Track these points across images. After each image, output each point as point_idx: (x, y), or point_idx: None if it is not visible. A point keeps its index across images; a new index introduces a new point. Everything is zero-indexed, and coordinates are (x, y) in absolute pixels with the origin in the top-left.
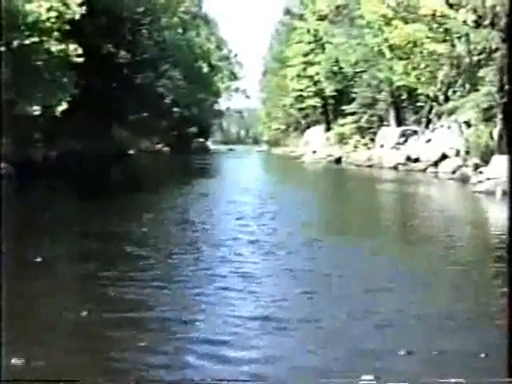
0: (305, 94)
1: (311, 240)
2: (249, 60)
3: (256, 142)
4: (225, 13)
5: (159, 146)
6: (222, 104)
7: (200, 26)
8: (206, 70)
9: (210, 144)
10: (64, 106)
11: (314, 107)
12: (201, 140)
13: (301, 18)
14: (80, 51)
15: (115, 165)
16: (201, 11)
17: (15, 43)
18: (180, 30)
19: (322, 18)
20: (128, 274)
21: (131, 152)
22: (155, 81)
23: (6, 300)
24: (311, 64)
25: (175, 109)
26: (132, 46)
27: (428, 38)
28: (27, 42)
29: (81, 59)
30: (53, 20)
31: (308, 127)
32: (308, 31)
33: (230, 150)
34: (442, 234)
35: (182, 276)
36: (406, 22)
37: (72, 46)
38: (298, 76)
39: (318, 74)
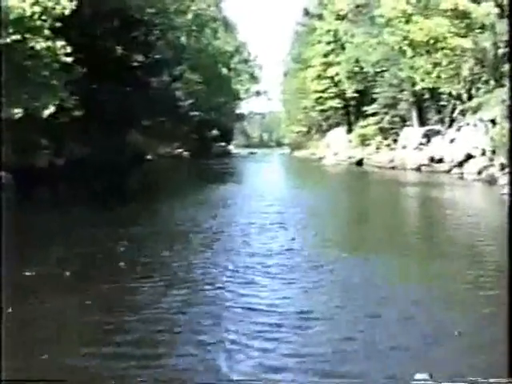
0: (325, 95)
1: (333, 260)
2: (270, 62)
3: (279, 144)
4: (245, 15)
5: (179, 150)
6: (244, 107)
7: (218, 29)
8: (225, 72)
9: (231, 148)
10: (51, 109)
11: (335, 108)
12: (222, 144)
13: (320, 18)
14: (69, 49)
15: (127, 172)
16: (220, 14)
17: None
18: (197, 34)
19: (341, 18)
20: None
21: (149, 157)
22: (171, 84)
23: None
24: (331, 65)
25: (195, 113)
26: (145, 47)
27: (450, 32)
28: (8, 40)
29: (70, 58)
30: (38, 16)
31: (329, 129)
32: (327, 31)
33: (252, 153)
34: (484, 255)
35: None
36: (427, 17)
37: (59, 44)
38: (319, 77)
39: (338, 74)
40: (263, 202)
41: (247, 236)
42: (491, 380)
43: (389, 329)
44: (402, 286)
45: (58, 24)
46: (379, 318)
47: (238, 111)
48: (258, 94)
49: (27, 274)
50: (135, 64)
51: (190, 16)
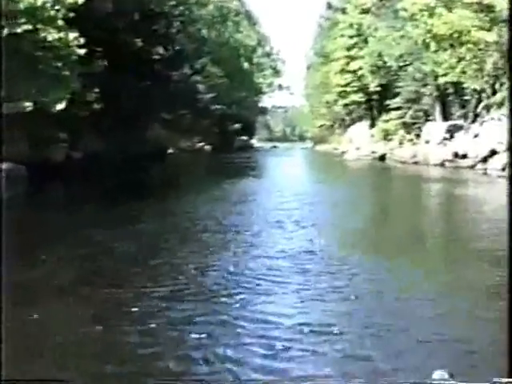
0: (348, 89)
1: (355, 266)
2: (293, 56)
3: (302, 139)
4: (268, 9)
5: (200, 144)
6: (267, 101)
7: (241, 22)
8: (247, 66)
9: (254, 141)
10: (63, 103)
11: (358, 103)
12: (244, 138)
13: (343, 11)
14: (82, 41)
15: (146, 166)
16: (242, 7)
17: (5, 31)
18: (218, 27)
19: (364, 12)
20: None
21: (170, 151)
22: (192, 77)
23: None
24: (354, 58)
25: (216, 106)
26: (166, 40)
27: (474, 26)
28: (19, 30)
29: (83, 50)
30: (50, 6)
31: (352, 123)
32: (351, 25)
33: (274, 147)
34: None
35: None
36: (450, 11)
37: (72, 35)
38: (342, 71)
39: (361, 68)
40: (282, 198)
41: (262, 235)
42: (491, 380)
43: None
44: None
45: (72, 14)
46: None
47: (260, 105)
48: (280, 87)
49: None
50: (155, 57)
51: (211, 8)
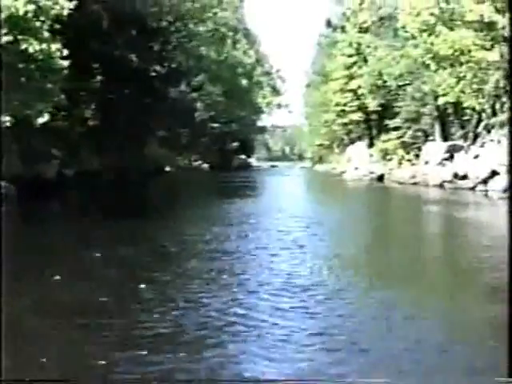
0: (347, 108)
1: (355, 299)
2: (293, 75)
3: (301, 158)
4: (267, 27)
5: (198, 162)
6: (267, 120)
7: (239, 40)
8: (246, 85)
9: (253, 161)
10: (46, 117)
11: (357, 122)
12: (242, 157)
13: (343, 30)
14: (65, 52)
15: (141, 184)
16: (241, 25)
17: None
18: (217, 44)
19: (363, 30)
20: None
21: (167, 169)
22: (190, 94)
23: None
24: (353, 77)
25: (215, 125)
26: (162, 57)
27: (475, 45)
28: (1, 40)
29: (66, 62)
30: (32, 16)
31: (351, 143)
32: (350, 44)
33: (273, 166)
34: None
35: None
36: (452, 29)
37: (54, 46)
38: (341, 90)
39: (360, 87)
40: (278, 220)
41: (253, 264)
42: (491, 380)
43: None
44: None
45: (58, 26)
46: None
47: (259, 124)
48: (279, 106)
49: None
50: (152, 74)
51: (209, 25)
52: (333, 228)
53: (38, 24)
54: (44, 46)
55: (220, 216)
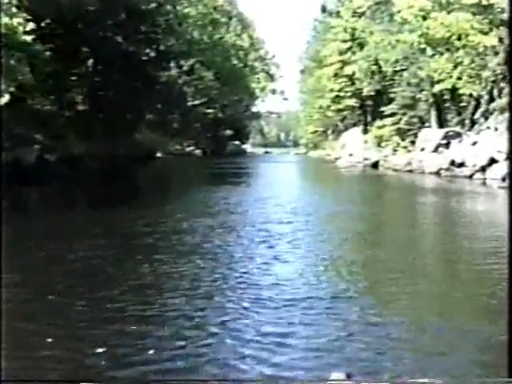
0: (342, 94)
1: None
2: (288, 60)
3: (296, 144)
4: (262, 12)
5: (190, 148)
6: (261, 106)
7: (233, 24)
8: (240, 69)
9: (247, 147)
10: (6, 97)
11: (352, 108)
12: (236, 143)
13: (338, 15)
14: (32, 26)
15: (129, 170)
16: (235, 10)
17: None
18: (209, 28)
19: (359, 15)
20: None
21: (158, 155)
22: (181, 78)
23: None
24: (348, 63)
25: (208, 110)
26: (151, 40)
27: (473, 28)
28: None
29: (29, 37)
30: None
31: (346, 129)
32: (345, 29)
33: (267, 152)
34: None
35: None
36: (448, 13)
37: (16, 20)
38: (335, 76)
39: (355, 73)
40: (266, 209)
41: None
42: (491, 380)
43: None
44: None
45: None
46: None
47: (254, 110)
48: (274, 92)
49: None
50: (143, 58)
51: (200, 8)
52: (319, 222)
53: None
54: (6, 19)
55: (202, 206)
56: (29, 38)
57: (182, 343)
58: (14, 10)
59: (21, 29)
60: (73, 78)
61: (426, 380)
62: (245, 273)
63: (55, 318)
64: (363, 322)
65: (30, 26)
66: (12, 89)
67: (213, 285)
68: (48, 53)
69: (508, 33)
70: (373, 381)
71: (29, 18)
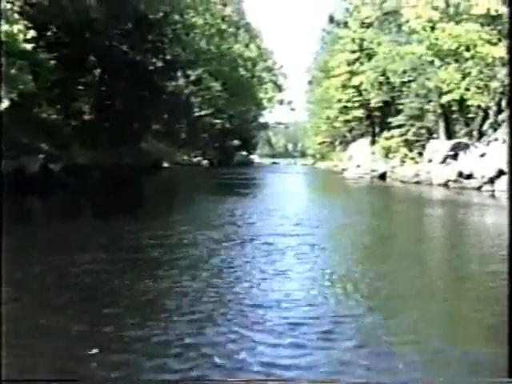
0: (350, 104)
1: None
2: (296, 71)
3: (303, 155)
4: (271, 23)
5: (198, 158)
6: (269, 117)
7: (240, 34)
8: (247, 80)
9: (255, 157)
10: (6, 103)
11: (360, 119)
12: (244, 153)
13: (346, 25)
14: (33, 33)
15: (134, 180)
16: (243, 20)
17: None
18: (217, 38)
19: (366, 26)
20: None
21: (165, 165)
22: (188, 88)
23: None
24: (356, 74)
25: (216, 120)
26: (158, 49)
27: (481, 39)
28: None
29: (30, 45)
30: None
31: (353, 140)
32: (353, 40)
33: (274, 163)
34: None
35: None
36: (457, 24)
37: (16, 28)
38: (343, 86)
39: (362, 83)
40: (272, 221)
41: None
42: (491, 380)
43: None
44: None
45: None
46: None
47: (262, 120)
48: (281, 103)
49: None
50: (150, 67)
51: (207, 18)
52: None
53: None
54: (7, 27)
55: (207, 218)
56: (29, 46)
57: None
58: (17, 16)
59: (21, 36)
60: (80, 88)
61: (425, 380)
62: (250, 288)
63: (43, 346)
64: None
65: (31, 33)
66: (13, 95)
67: (213, 305)
68: (53, 61)
69: (508, 32)
70: (372, 381)
71: (30, 25)
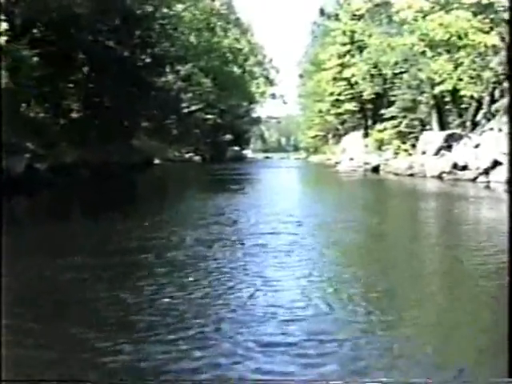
0: (341, 97)
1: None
2: (286, 64)
3: (296, 149)
4: (260, 16)
5: (190, 154)
6: (261, 111)
7: (230, 28)
8: (238, 74)
9: (248, 152)
10: None
11: (352, 112)
12: (236, 148)
13: (336, 18)
14: (4, 26)
15: (122, 178)
16: (233, 15)
17: None
18: (206, 32)
19: (357, 18)
20: None
21: (156, 162)
22: (178, 84)
23: None
24: (347, 66)
25: (208, 116)
26: (146, 45)
27: (473, 27)
28: None
29: (3, 38)
30: None
31: (346, 133)
32: (344, 32)
33: (267, 157)
34: None
35: None
36: (447, 13)
37: None
38: (334, 79)
39: (354, 76)
40: (263, 219)
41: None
42: (491, 380)
43: None
44: None
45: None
46: None
47: (254, 115)
48: (273, 97)
49: None
50: (139, 63)
51: (194, 11)
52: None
53: None
54: None
55: (198, 217)
56: (2, 40)
57: None
58: None
59: None
60: (68, 85)
61: (425, 380)
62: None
63: None
64: None
65: (3, 26)
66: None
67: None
68: (36, 58)
69: (508, 31)
70: (372, 381)
71: (2, 18)
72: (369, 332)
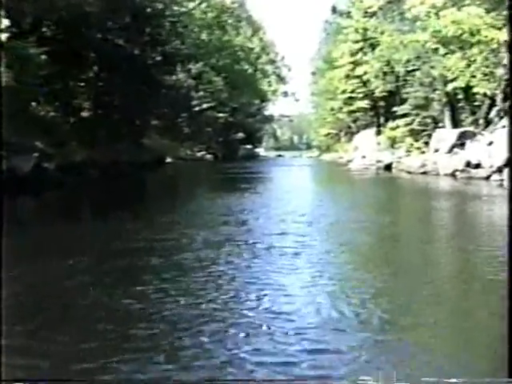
0: (354, 95)
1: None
2: (299, 62)
3: (309, 147)
4: (273, 14)
5: (202, 153)
6: (274, 110)
7: (242, 27)
8: (250, 72)
9: (260, 150)
10: None
11: (364, 110)
12: (248, 146)
13: (348, 15)
14: (6, 23)
15: (132, 177)
16: (245, 13)
17: None
18: (218, 30)
19: (370, 15)
20: None
21: (168, 160)
22: (189, 83)
23: None
24: (360, 64)
25: (220, 114)
26: (156, 43)
27: (485, 24)
28: None
29: (4, 35)
30: None
31: (358, 131)
32: (356, 30)
33: (279, 156)
34: None
35: None
36: (459, 9)
37: None
38: (347, 77)
39: (366, 73)
40: (275, 219)
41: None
42: (491, 380)
43: None
44: None
45: None
46: None
47: (266, 113)
48: (285, 95)
49: None
50: (149, 61)
51: (204, 9)
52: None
53: None
54: None
55: (208, 217)
56: (3, 37)
57: None
58: None
59: None
60: (79, 84)
61: (425, 380)
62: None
63: None
64: None
65: (5, 23)
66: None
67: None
68: (43, 56)
69: (508, 31)
70: (372, 380)
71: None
72: None
